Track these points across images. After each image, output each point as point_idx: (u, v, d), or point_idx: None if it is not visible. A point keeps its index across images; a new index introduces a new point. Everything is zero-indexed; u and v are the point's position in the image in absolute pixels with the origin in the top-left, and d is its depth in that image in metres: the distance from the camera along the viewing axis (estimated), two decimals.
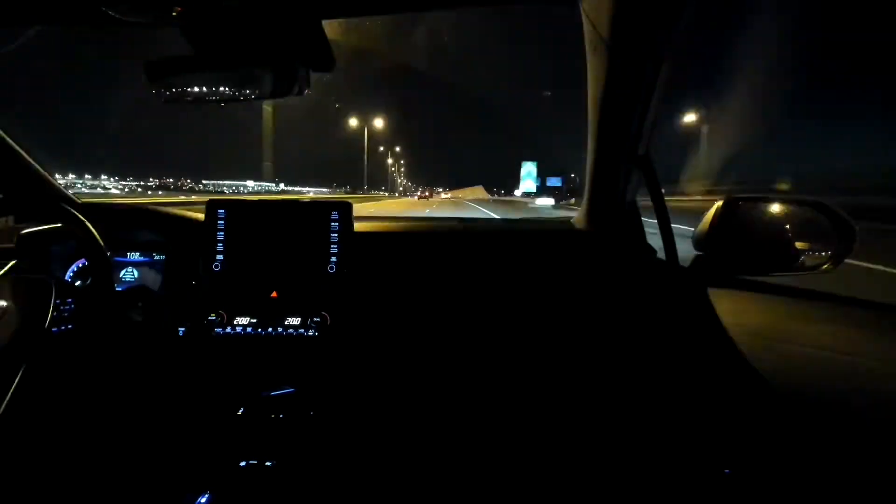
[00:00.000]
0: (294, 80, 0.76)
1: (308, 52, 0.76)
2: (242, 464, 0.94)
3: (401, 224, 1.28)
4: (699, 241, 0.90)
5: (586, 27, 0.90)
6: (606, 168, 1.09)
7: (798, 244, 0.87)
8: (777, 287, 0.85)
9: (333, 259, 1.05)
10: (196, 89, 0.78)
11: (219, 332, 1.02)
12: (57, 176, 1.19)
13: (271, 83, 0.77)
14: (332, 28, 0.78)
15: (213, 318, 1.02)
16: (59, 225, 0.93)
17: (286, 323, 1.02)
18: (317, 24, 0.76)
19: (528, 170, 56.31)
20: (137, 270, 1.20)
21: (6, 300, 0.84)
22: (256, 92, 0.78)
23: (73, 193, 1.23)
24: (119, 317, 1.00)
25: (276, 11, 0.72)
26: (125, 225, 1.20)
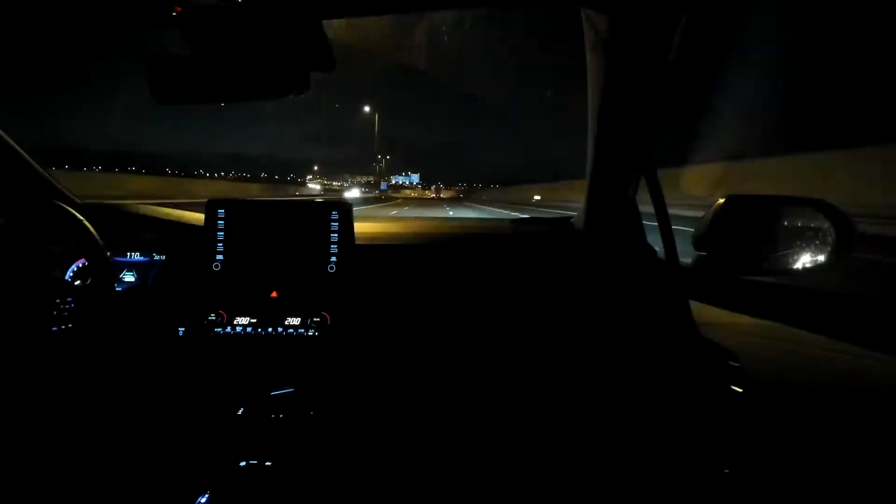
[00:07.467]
0: (294, 80, 0.76)
1: (308, 52, 0.76)
2: (242, 464, 0.94)
3: (402, 224, 1.28)
4: (699, 241, 0.90)
5: (586, 28, 0.90)
6: (606, 168, 1.09)
7: (799, 243, 0.86)
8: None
9: (333, 259, 1.05)
10: (195, 89, 0.78)
11: (219, 332, 1.02)
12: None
13: (271, 83, 0.77)
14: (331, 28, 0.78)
15: (213, 318, 1.02)
16: (59, 224, 0.93)
17: (286, 323, 1.02)
18: (317, 25, 0.76)
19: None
20: (137, 270, 1.19)
21: (5, 300, 0.84)
22: (256, 92, 0.78)
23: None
24: (119, 317, 1.00)
25: (276, 11, 0.72)
26: (125, 225, 1.20)
